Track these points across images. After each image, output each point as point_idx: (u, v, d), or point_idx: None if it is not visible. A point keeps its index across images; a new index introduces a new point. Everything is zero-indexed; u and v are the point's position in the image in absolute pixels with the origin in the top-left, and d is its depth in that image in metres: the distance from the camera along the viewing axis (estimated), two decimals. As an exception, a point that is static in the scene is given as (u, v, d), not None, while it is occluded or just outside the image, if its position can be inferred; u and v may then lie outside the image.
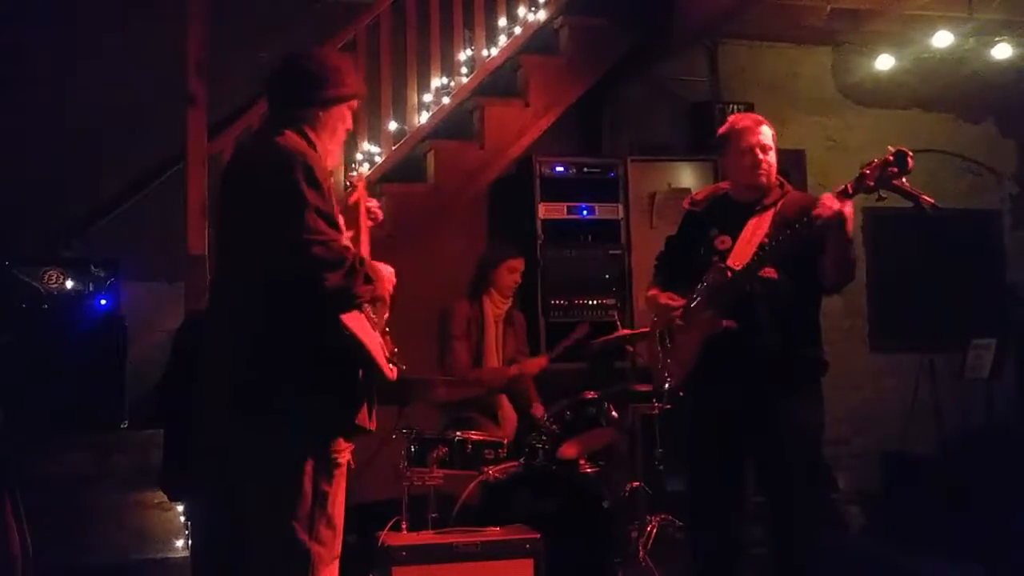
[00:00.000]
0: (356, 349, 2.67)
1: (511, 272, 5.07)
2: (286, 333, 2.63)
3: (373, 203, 3.20)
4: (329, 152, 2.87)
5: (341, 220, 2.88)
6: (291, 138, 2.73)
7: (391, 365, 2.81)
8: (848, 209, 3.24)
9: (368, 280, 2.67)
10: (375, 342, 2.75)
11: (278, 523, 2.63)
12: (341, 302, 2.64)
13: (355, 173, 3.32)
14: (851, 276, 3.43)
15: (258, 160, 2.76)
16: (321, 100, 2.84)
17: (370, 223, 3.15)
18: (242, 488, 2.70)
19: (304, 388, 2.64)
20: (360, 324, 2.71)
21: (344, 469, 2.74)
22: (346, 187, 3.24)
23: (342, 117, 2.91)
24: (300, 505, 2.62)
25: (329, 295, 2.59)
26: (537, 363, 5.17)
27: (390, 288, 2.87)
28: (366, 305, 2.76)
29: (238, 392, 2.66)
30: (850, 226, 3.27)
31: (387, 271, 2.89)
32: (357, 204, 3.10)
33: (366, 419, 2.76)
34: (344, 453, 2.73)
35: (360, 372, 2.73)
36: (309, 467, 2.63)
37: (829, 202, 3.21)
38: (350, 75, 2.93)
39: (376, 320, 2.82)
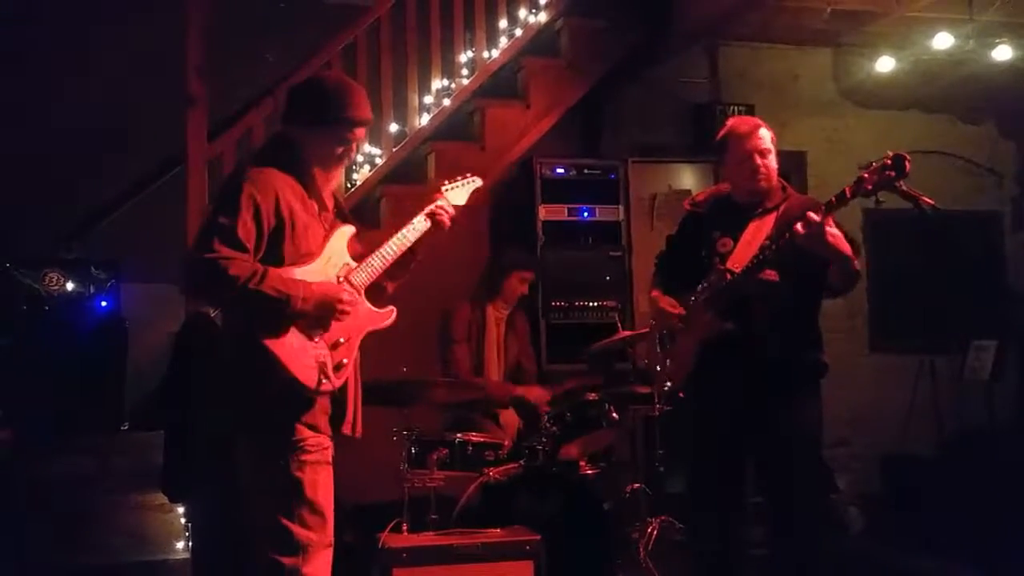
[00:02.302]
0: (268, 361, 2.74)
1: (522, 282, 5.08)
2: (224, 343, 2.87)
3: (447, 210, 3.22)
4: (319, 174, 2.95)
5: (348, 231, 3.02)
6: (267, 157, 2.90)
7: (325, 378, 2.83)
8: (831, 228, 3.21)
9: (264, 299, 2.71)
10: (299, 355, 2.79)
11: (262, 513, 2.78)
12: (239, 312, 2.79)
13: (467, 178, 3.38)
14: (851, 284, 3.41)
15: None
16: (314, 122, 2.93)
17: (424, 232, 3.17)
18: (232, 484, 2.87)
19: (242, 390, 2.81)
20: (284, 337, 2.77)
21: (321, 456, 2.85)
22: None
23: (329, 143, 2.96)
24: (274, 493, 2.77)
25: (221, 305, 2.84)
26: (541, 396, 5.04)
27: (322, 299, 2.85)
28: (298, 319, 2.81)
29: (210, 392, 2.92)
30: (833, 239, 3.20)
31: (323, 290, 2.86)
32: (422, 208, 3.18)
33: (333, 423, 2.90)
34: (311, 440, 2.83)
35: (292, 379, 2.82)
36: (276, 458, 2.78)
37: (808, 220, 3.18)
38: (352, 102, 2.97)
39: (318, 332, 2.86)
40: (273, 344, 2.75)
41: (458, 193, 3.33)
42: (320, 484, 2.82)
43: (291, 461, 2.78)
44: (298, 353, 2.79)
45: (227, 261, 2.69)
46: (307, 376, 2.80)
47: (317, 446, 2.84)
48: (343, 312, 2.88)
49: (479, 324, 5.03)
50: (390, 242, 3.09)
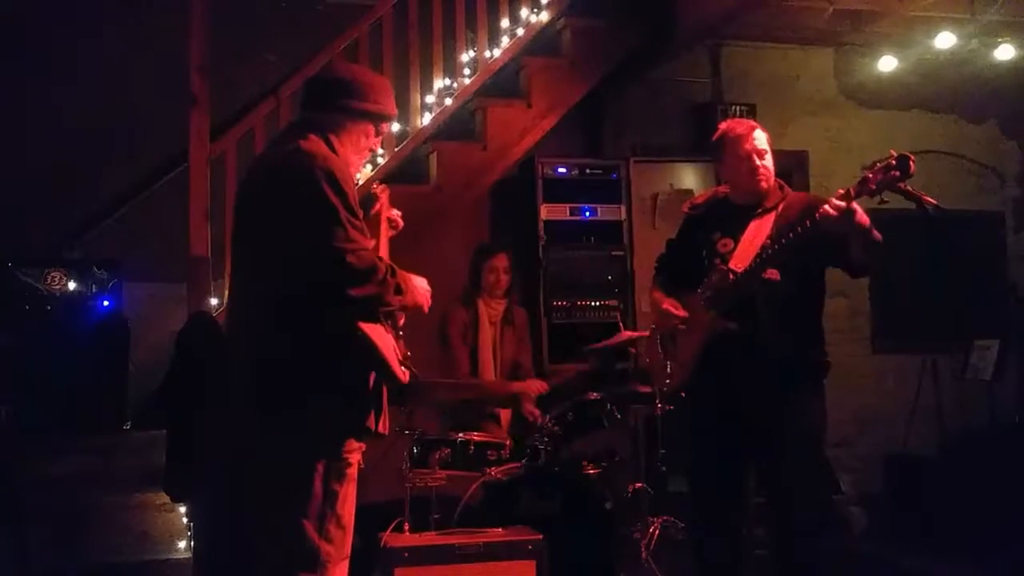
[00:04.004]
0: (369, 352, 2.68)
1: (492, 271, 5.06)
2: (302, 337, 2.66)
3: (395, 213, 3.23)
4: (350, 163, 2.89)
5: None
6: (314, 142, 2.75)
7: (404, 369, 2.83)
8: (855, 204, 3.23)
9: (399, 291, 2.70)
10: (389, 346, 2.78)
11: (288, 522, 2.66)
12: (370, 311, 2.67)
13: (377, 185, 3.38)
14: (877, 255, 3.40)
15: (282, 165, 2.77)
16: (349, 108, 2.87)
17: (391, 232, 3.19)
18: (253, 488, 2.74)
19: (317, 389, 2.66)
20: (375, 328, 2.73)
21: (355, 469, 2.78)
22: (373, 197, 3.25)
23: (367, 132, 2.93)
24: (310, 504, 2.65)
25: (361, 303, 2.62)
26: (538, 386, 5.06)
27: (424, 300, 2.89)
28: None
29: (255, 393, 2.70)
30: (859, 215, 3.24)
31: (420, 282, 2.91)
32: (379, 215, 3.15)
33: (374, 423, 2.79)
34: (355, 454, 2.77)
35: (372, 376, 2.76)
36: (320, 467, 2.67)
37: (835, 204, 3.20)
38: (385, 95, 2.95)
39: (390, 325, 2.85)
40: (374, 335, 2.68)
41: (386, 196, 3.32)
42: (349, 497, 2.75)
43: (333, 472, 2.69)
44: (389, 345, 2.76)
45: (368, 252, 2.63)
46: (398, 368, 2.78)
47: (355, 459, 2.77)
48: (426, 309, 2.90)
49: (473, 325, 5.04)
50: (383, 246, 3.09)
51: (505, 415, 5.06)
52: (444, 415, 4.92)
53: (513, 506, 4.18)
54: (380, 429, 2.84)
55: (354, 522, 2.80)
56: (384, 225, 3.17)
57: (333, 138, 2.83)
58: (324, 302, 2.62)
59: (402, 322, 2.96)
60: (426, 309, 2.91)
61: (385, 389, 2.85)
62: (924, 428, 6.62)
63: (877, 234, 3.33)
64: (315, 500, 2.65)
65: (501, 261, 5.08)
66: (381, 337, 2.74)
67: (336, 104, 2.87)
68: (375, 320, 2.71)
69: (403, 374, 2.82)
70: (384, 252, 3.07)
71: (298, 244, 2.63)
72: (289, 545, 2.66)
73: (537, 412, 4.89)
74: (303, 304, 2.65)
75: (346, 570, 2.78)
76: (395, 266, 2.74)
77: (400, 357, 2.84)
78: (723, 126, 3.68)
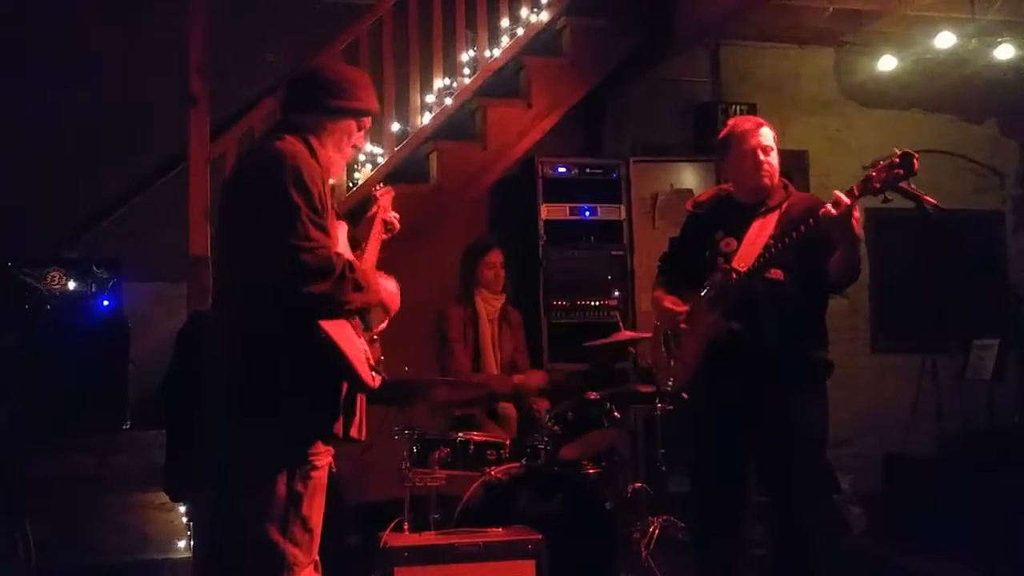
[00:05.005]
0: (333, 355, 2.64)
1: (490, 267, 5.07)
2: (269, 337, 2.64)
3: (393, 215, 3.21)
4: (332, 163, 2.86)
5: (343, 228, 2.91)
6: (289, 142, 2.71)
7: (375, 374, 2.80)
8: (855, 208, 3.23)
9: (358, 288, 2.66)
10: (356, 349, 2.74)
11: (252, 523, 2.64)
12: (326, 308, 2.63)
13: (379, 187, 3.36)
14: (856, 274, 3.41)
15: (253, 164, 2.78)
16: (328, 108, 2.84)
17: (386, 236, 3.17)
18: (222, 488, 2.73)
19: (284, 391, 2.64)
20: (341, 330, 2.68)
21: (323, 472, 2.74)
22: (372, 199, 3.23)
23: (349, 131, 2.89)
24: (274, 505, 2.62)
25: (314, 301, 2.59)
26: (539, 377, 5.11)
27: (390, 300, 2.85)
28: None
29: (228, 394, 2.69)
30: (857, 224, 3.26)
31: (387, 284, 2.88)
32: (374, 217, 3.13)
33: (343, 427, 2.75)
34: (322, 456, 2.73)
35: (340, 379, 2.72)
36: (285, 470, 2.64)
37: (840, 199, 3.20)
38: (364, 91, 2.91)
39: (360, 328, 2.81)
40: (337, 337, 2.65)
41: (387, 199, 3.31)
42: (316, 500, 2.71)
43: (297, 474, 2.65)
44: (355, 348, 2.72)
45: (325, 250, 2.59)
46: (365, 372, 2.73)
47: (323, 463, 2.74)
48: (392, 309, 2.87)
49: (473, 322, 5.04)
50: (371, 248, 3.07)
51: (508, 411, 5.04)
52: (445, 413, 4.92)
53: (513, 506, 4.18)
54: (354, 434, 2.79)
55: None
56: (378, 227, 3.14)
57: (313, 139, 2.79)
58: (283, 300, 2.60)
59: (383, 327, 2.93)
60: (393, 310, 2.88)
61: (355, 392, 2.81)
62: (924, 428, 6.62)
63: (859, 251, 3.33)
64: (279, 501, 2.62)
65: (497, 256, 5.10)
66: (348, 341, 2.69)
67: (315, 104, 2.84)
68: (337, 318, 2.67)
69: (372, 379, 2.77)
70: (373, 254, 3.04)
71: (259, 242, 2.62)
72: (253, 547, 2.64)
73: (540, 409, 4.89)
74: (268, 304, 2.63)
75: (312, 574, 2.74)
76: (354, 262, 2.70)
77: (372, 362, 2.80)
78: (731, 122, 3.69)
